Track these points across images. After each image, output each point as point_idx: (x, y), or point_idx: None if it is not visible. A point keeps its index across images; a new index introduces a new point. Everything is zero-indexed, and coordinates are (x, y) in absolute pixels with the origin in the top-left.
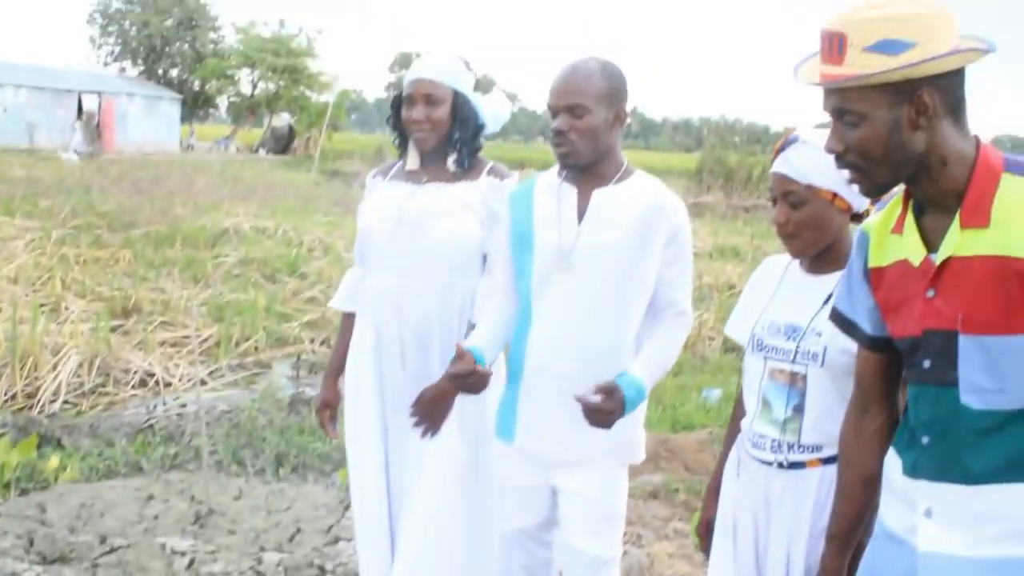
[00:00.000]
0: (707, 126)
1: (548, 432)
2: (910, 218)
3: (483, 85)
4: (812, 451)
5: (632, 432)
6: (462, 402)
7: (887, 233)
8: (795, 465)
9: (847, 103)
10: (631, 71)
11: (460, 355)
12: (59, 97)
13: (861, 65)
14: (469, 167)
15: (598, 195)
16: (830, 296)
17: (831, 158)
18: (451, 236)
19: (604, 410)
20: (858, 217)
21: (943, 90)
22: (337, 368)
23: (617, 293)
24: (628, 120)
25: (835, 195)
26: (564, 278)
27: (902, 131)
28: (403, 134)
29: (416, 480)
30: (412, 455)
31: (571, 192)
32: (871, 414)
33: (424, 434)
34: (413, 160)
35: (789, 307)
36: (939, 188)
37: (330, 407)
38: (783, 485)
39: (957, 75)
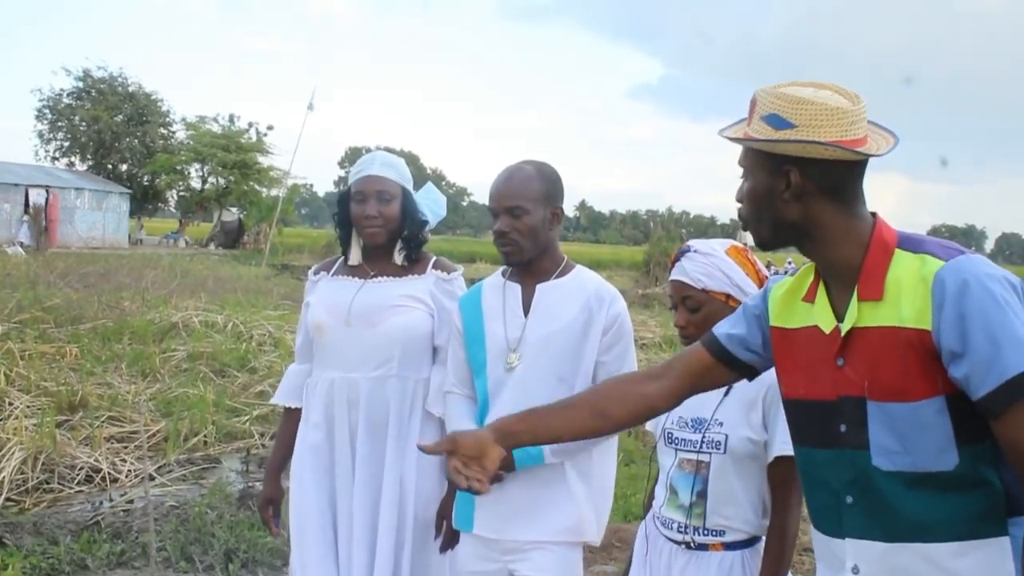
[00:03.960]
0: (654, 219)
1: (506, 516)
2: (821, 288)
3: (434, 179)
4: (716, 535)
5: (588, 511)
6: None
7: (797, 300)
8: (701, 547)
9: (742, 158)
10: (577, 169)
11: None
12: (6, 191)
13: (754, 130)
14: (415, 260)
15: (541, 289)
16: (729, 389)
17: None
18: (403, 329)
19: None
20: None
21: (814, 174)
22: (280, 464)
23: (563, 378)
24: (563, 217)
25: (728, 296)
26: (515, 367)
27: (775, 198)
28: (348, 230)
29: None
30: (356, 545)
31: (515, 289)
32: (656, 384)
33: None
34: (356, 255)
35: (694, 402)
36: (835, 261)
37: (273, 503)
38: (685, 563)
39: (834, 164)
